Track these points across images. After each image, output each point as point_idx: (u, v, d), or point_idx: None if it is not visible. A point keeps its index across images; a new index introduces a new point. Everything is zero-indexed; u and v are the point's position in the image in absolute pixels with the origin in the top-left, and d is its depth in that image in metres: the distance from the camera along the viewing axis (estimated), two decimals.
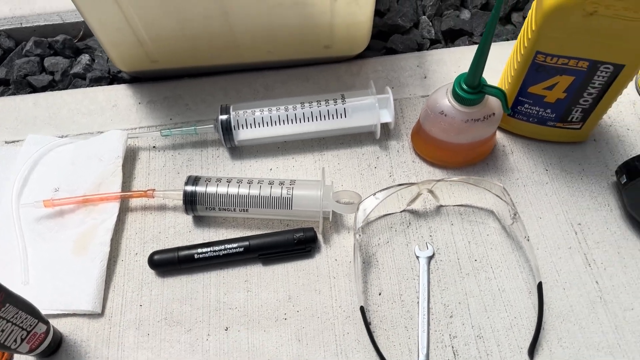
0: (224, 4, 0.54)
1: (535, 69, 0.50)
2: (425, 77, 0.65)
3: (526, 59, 0.50)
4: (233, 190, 0.53)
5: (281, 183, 0.54)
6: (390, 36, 0.69)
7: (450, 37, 0.71)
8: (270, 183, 0.54)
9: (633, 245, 0.54)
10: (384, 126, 0.60)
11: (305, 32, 0.59)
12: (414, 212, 0.56)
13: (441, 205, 0.56)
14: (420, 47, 0.69)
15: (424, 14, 0.72)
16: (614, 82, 0.49)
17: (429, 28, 0.70)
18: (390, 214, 0.56)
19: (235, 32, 0.58)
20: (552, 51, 0.48)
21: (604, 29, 0.44)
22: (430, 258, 0.54)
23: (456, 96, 0.50)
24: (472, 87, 0.49)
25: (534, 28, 0.47)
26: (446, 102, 0.51)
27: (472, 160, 0.58)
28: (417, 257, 0.54)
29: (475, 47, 0.67)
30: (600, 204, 0.56)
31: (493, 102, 0.52)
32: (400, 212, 0.57)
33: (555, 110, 0.54)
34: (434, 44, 0.70)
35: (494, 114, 0.52)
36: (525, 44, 0.49)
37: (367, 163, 0.59)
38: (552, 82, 0.51)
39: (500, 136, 0.60)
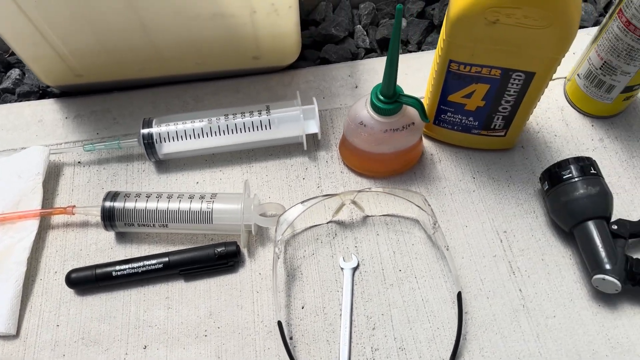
0: (140, 17, 0.53)
1: (451, 78, 0.50)
2: (356, 87, 0.64)
3: (442, 68, 0.50)
4: (152, 205, 0.52)
5: (202, 197, 0.53)
6: (324, 46, 0.69)
7: (386, 46, 0.71)
8: (191, 197, 0.53)
9: (557, 251, 0.54)
10: (313, 137, 0.60)
11: (230, 44, 0.59)
12: (340, 223, 0.56)
13: (367, 216, 0.56)
14: (354, 57, 0.69)
15: (360, 23, 0.72)
16: (528, 90, 0.49)
17: (364, 37, 0.70)
18: (316, 225, 0.56)
19: (157, 45, 0.57)
20: (464, 60, 0.48)
21: (509, 37, 0.44)
22: (354, 269, 0.53)
23: (374, 106, 0.50)
24: (388, 97, 0.49)
25: (444, 37, 0.47)
26: (365, 112, 0.51)
27: (400, 169, 0.58)
28: (342, 269, 0.53)
29: (410, 56, 0.68)
30: (526, 211, 0.56)
31: (412, 111, 0.51)
32: (327, 223, 0.56)
33: (477, 118, 0.54)
34: (368, 53, 0.70)
35: (413, 123, 0.52)
36: (440, 53, 0.49)
37: (296, 174, 0.59)
38: (469, 90, 0.51)
39: (427, 144, 0.60)
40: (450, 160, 0.59)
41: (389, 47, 0.45)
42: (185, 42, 0.58)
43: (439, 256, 0.53)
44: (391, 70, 0.46)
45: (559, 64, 0.47)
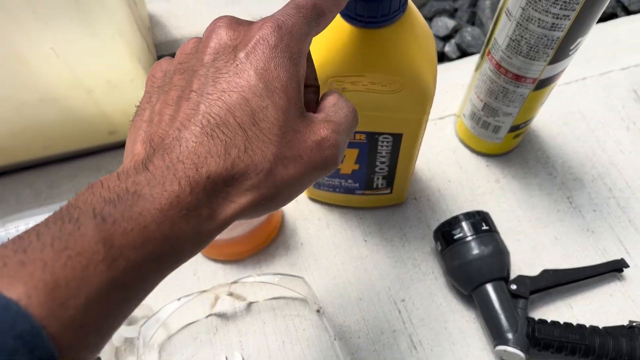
0: None
1: None
2: None
3: None
4: None
5: None
6: None
7: None
8: None
9: (460, 316, 0.49)
10: None
11: (77, 124, 0.52)
12: (221, 315, 0.49)
13: (252, 302, 0.50)
14: None
15: None
16: (400, 149, 0.44)
17: None
18: (194, 321, 0.49)
19: None
20: None
21: (363, 103, 0.38)
22: None
23: None
24: None
25: None
26: None
27: (264, 241, 0.51)
28: None
29: None
30: (424, 273, 0.51)
31: None
32: (206, 317, 0.49)
33: (356, 180, 0.49)
34: None
35: None
36: None
37: None
38: None
39: (314, 208, 0.55)
40: (339, 223, 0.54)
41: None
42: (21, 130, 0.50)
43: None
44: None
45: (426, 121, 0.42)
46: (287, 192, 0.25)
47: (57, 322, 0.19)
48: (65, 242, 0.20)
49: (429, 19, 0.67)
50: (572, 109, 0.59)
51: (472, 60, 0.63)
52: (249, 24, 0.26)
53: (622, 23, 0.65)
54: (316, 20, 0.25)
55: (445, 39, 0.66)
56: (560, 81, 0.58)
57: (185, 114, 0.23)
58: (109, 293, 0.20)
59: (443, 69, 0.62)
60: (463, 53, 0.65)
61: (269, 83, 0.23)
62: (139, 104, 0.27)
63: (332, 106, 0.27)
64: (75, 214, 0.21)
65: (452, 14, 0.68)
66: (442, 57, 0.66)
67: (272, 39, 0.24)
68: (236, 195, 0.23)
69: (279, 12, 0.25)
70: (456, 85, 0.61)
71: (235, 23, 0.26)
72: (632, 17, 0.66)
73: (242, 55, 0.24)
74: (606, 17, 0.68)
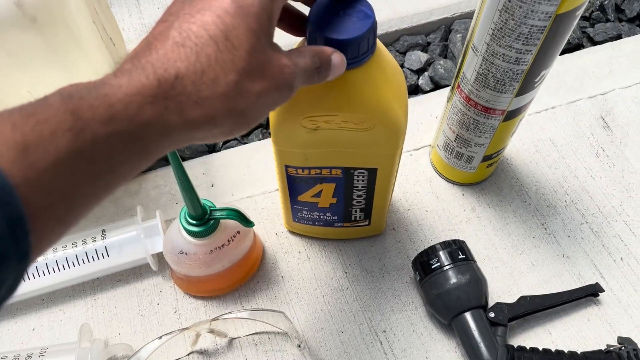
0: None
1: (292, 181, 0.45)
2: (212, 186, 0.59)
3: (281, 172, 0.45)
4: None
5: (29, 356, 0.45)
6: None
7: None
8: (16, 358, 0.45)
9: (440, 345, 0.49)
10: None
11: None
12: (203, 352, 0.49)
13: (233, 338, 0.50)
14: (212, 149, 0.63)
15: None
16: (376, 183, 0.45)
17: None
18: None
19: None
20: (299, 164, 0.43)
21: (336, 140, 0.40)
22: None
23: (188, 232, 0.45)
24: (199, 219, 0.44)
25: (273, 144, 0.42)
26: (182, 239, 0.46)
27: (244, 276, 0.52)
28: None
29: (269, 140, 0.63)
30: (404, 303, 0.51)
31: (232, 221, 0.47)
32: (188, 355, 0.49)
33: (334, 213, 0.50)
34: (226, 142, 0.65)
35: (238, 231, 0.47)
36: (275, 158, 0.44)
37: (149, 300, 0.52)
38: (316, 190, 0.46)
39: (294, 241, 0.55)
40: (319, 255, 0.54)
41: (174, 173, 0.40)
42: None
43: None
44: (188, 192, 0.42)
45: (400, 155, 0.43)
46: (254, 109, 0.26)
47: (26, 184, 0.19)
48: (32, 109, 0.20)
49: (403, 53, 0.69)
50: (543, 137, 0.60)
51: (445, 92, 0.65)
52: None
53: (588, 53, 0.68)
54: None
55: (419, 72, 0.68)
56: (530, 110, 0.60)
57: (158, 31, 0.25)
58: (76, 163, 0.21)
59: (417, 102, 0.64)
60: (436, 85, 0.67)
61: (243, 6, 0.25)
62: None
63: (298, 52, 0.29)
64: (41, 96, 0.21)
65: (425, 47, 0.70)
66: (416, 90, 0.68)
67: None
68: (205, 100, 0.24)
69: None
70: (430, 117, 0.62)
71: None
72: (597, 47, 0.69)
73: None
74: (573, 47, 0.70)
